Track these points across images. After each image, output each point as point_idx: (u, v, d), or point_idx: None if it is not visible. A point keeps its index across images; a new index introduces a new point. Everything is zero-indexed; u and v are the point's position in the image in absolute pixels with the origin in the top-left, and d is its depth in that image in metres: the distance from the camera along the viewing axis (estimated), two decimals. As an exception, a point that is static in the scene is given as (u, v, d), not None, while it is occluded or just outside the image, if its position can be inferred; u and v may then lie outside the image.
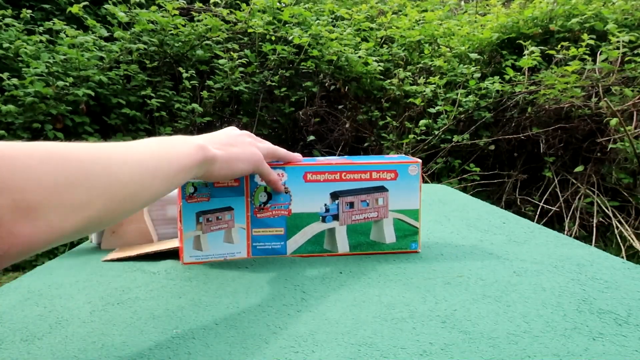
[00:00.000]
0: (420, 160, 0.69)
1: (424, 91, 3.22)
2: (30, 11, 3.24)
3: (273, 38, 3.39)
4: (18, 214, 0.32)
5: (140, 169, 0.43)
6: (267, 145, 0.64)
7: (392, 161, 0.69)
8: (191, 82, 3.20)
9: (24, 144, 0.34)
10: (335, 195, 0.68)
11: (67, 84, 2.80)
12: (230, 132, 0.61)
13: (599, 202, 2.98)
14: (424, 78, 3.34)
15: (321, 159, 0.72)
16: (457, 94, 3.21)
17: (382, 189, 0.68)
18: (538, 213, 3.05)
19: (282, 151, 0.66)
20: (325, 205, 0.68)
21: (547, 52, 3.20)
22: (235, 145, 0.59)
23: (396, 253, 0.69)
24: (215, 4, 3.54)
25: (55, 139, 2.78)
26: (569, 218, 3.01)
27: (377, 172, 0.68)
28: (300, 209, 0.67)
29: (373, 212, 0.69)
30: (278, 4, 3.47)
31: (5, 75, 2.73)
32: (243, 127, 3.57)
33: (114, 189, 0.39)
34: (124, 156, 0.42)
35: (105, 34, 3.21)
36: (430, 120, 3.24)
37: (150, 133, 3.26)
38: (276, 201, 0.67)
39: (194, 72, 3.24)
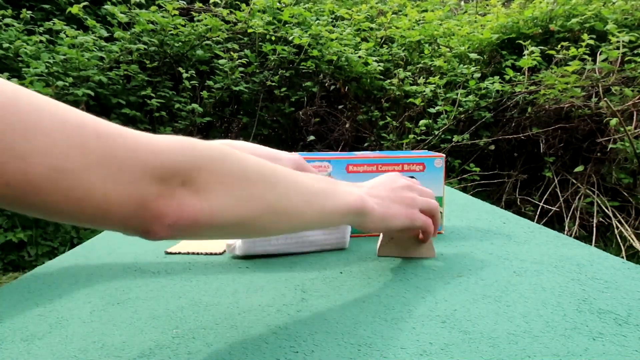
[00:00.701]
0: (444, 155, 0.78)
1: (424, 91, 3.22)
2: (30, 11, 3.24)
3: (273, 38, 3.39)
4: (187, 191, 0.37)
5: (297, 193, 0.46)
6: (427, 199, 0.62)
7: (420, 155, 0.79)
8: (191, 82, 3.20)
9: (198, 141, 0.39)
10: None
11: (67, 84, 2.80)
12: (394, 184, 0.60)
13: (599, 202, 2.98)
14: (424, 78, 3.34)
15: (360, 153, 0.80)
16: (457, 94, 3.21)
17: (411, 179, 0.75)
18: (538, 213, 3.05)
19: (436, 212, 0.63)
20: None
21: (547, 52, 3.20)
22: (395, 201, 0.58)
23: None
24: (215, 4, 3.54)
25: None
26: (569, 218, 3.01)
27: (408, 165, 0.78)
28: None
29: None
30: (278, 4, 3.47)
31: (5, 75, 2.73)
32: (243, 127, 3.57)
33: (270, 198, 0.43)
34: (284, 177, 0.45)
35: (105, 34, 3.21)
36: (430, 120, 3.24)
37: (150, 133, 3.26)
38: None
39: (194, 72, 3.24)
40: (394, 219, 0.58)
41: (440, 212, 0.79)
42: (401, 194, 0.59)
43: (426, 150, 0.91)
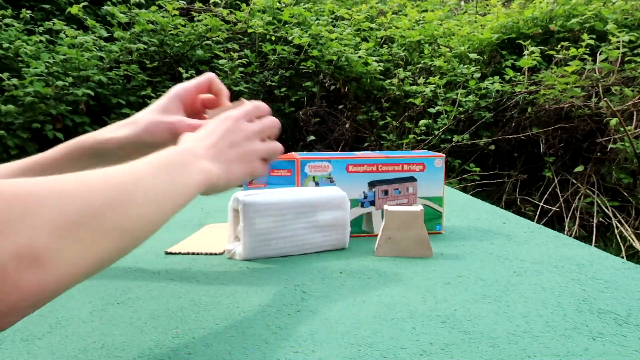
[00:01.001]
0: (444, 155, 0.80)
1: (424, 91, 3.22)
2: (30, 11, 3.24)
3: (273, 38, 3.39)
4: (23, 262, 0.28)
5: (149, 203, 0.40)
6: (269, 147, 0.59)
7: (420, 155, 0.80)
8: (191, 82, 3.20)
9: (21, 181, 0.32)
10: (372, 184, 0.78)
11: (67, 84, 2.80)
12: (235, 136, 0.55)
13: (599, 202, 2.98)
14: (424, 78, 3.34)
15: (360, 153, 0.81)
16: (457, 94, 3.21)
17: (412, 179, 0.80)
18: (538, 213, 3.05)
19: (276, 155, 0.61)
20: (364, 192, 0.78)
21: (547, 52, 3.20)
22: (237, 160, 0.55)
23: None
24: (215, 4, 3.54)
25: (55, 138, 2.78)
26: (569, 218, 3.01)
27: (408, 165, 0.79)
28: None
29: (404, 198, 0.80)
30: (278, 4, 3.47)
31: (5, 75, 2.73)
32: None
33: (123, 225, 0.37)
34: (133, 190, 0.39)
35: (105, 34, 3.21)
36: (430, 120, 3.24)
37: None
38: None
39: (194, 72, 3.24)
40: (236, 179, 0.55)
41: (440, 212, 0.82)
42: (243, 149, 0.55)
43: (426, 150, 0.93)
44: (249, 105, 0.59)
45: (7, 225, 0.28)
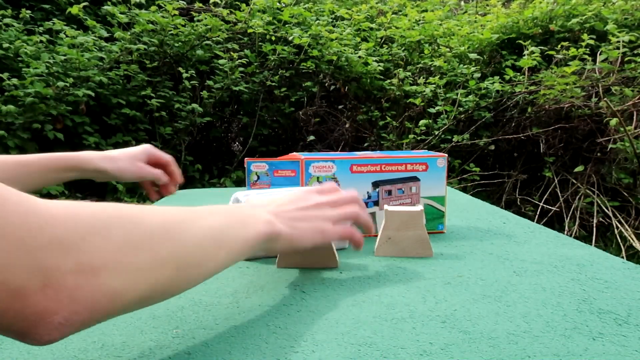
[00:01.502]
0: (446, 155, 0.80)
1: (424, 91, 3.22)
2: (30, 11, 3.24)
3: (273, 38, 3.39)
4: (81, 276, 0.30)
5: (207, 239, 0.42)
6: (341, 212, 0.58)
7: (423, 155, 0.79)
8: (191, 82, 3.20)
9: (88, 204, 0.33)
10: (376, 184, 0.78)
11: (67, 84, 2.80)
12: (304, 203, 0.56)
13: (599, 202, 2.98)
14: (423, 78, 3.34)
15: (363, 153, 0.81)
16: (457, 94, 3.21)
17: (415, 178, 0.80)
18: (538, 213, 3.05)
19: (358, 217, 0.60)
20: (368, 192, 0.78)
21: (547, 52, 3.20)
22: (303, 220, 0.55)
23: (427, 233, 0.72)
24: (215, 4, 3.54)
25: (55, 139, 2.78)
26: (569, 218, 3.01)
27: (411, 165, 0.79)
28: None
29: (407, 198, 0.79)
30: (278, 4, 3.47)
31: (5, 75, 2.72)
32: (243, 127, 3.57)
33: (180, 255, 0.38)
34: (191, 224, 0.40)
35: (105, 34, 3.21)
36: (430, 120, 3.24)
37: (150, 133, 3.26)
38: None
39: (194, 72, 3.24)
40: (302, 238, 0.54)
41: (442, 212, 0.82)
42: (311, 213, 0.56)
43: (427, 150, 0.92)
44: (326, 185, 0.61)
45: (72, 243, 0.30)
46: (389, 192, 0.79)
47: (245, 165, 0.75)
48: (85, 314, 0.31)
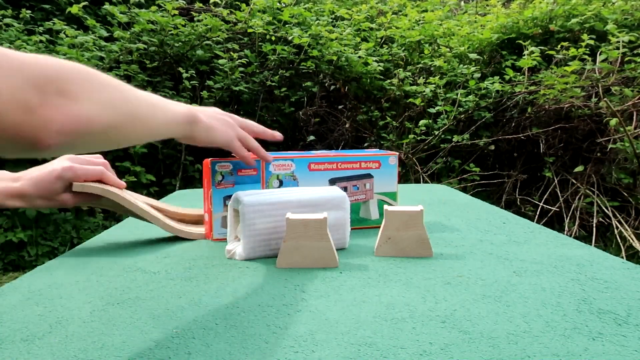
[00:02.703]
0: (397, 153, 0.85)
1: (424, 91, 3.22)
2: (30, 11, 3.24)
3: (273, 38, 3.39)
4: (67, 100, 0.41)
5: (146, 101, 0.54)
6: (246, 127, 0.75)
7: (376, 154, 0.85)
8: (191, 82, 3.20)
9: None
10: (332, 181, 0.82)
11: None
12: (216, 110, 0.72)
13: (599, 202, 2.98)
14: (423, 78, 3.34)
15: (320, 152, 0.86)
16: (457, 94, 3.21)
17: (368, 176, 0.85)
18: (538, 213, 3.05)
19: (255, 127, 0.77)
20: None
21: (547, 52, 3.20)
22: (219, 121, 0.70)
23: (379, 227, 0.74)
24: (215, 4, 3.54)
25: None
26: (569, 218, 3.01)
27: (365, 162, 0.84)
28: None
29: (362, 194, 0.84)
30: (278, 4, 3.47)
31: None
32: (243, 127, 3.57)
33: (130, 104, 0.50)
34: (131, 89, 0.52)
35: (105, 34, 3.21)
36: (430, 120, 3.24)
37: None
38: (286, 186, 0.80)
39: (194, 72, 3.24)
40: (216, 131, 0.69)
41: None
42: (223, 118, 0.72)
43: (379, 150, 0.99)
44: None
45: (55, 74, 0.41)
46: (345, 189, 0.83)
47: (210, 166, 0.76)
48: (72, 126, 0.41)
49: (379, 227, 0.73)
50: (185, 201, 1.15)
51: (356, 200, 0.85)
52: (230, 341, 0.44)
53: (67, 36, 3.01)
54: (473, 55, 3.39)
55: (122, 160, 3.06)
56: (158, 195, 3.11)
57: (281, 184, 0.80)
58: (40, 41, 3.02)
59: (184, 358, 0.41)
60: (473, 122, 3.26)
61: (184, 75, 3.14)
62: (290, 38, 3.29)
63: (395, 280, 0.60)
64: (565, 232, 2.92)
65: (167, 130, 0.60)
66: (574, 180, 3.14)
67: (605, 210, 2.95)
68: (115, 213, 2.96)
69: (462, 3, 4.61)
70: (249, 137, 0.74)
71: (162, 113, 0.58)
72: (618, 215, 2.93)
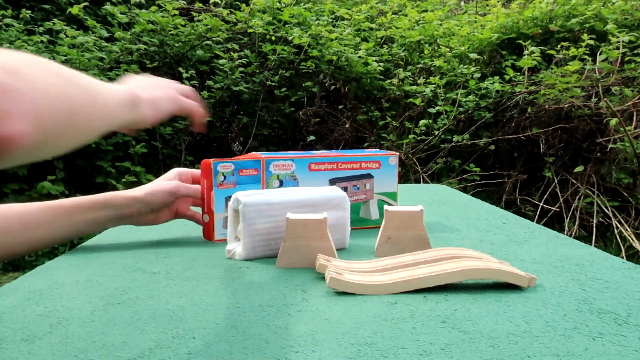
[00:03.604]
0: (397, 153, 0.85)
1: (424, 91, 3.22)
2: (30, 11, 3.24)
3: (273, 38, 3.39)
4: (19, 91, 0.34)
5: (91, 89, 0.46)
6: (182, 86, 0.71)
7: (376, 154, 0.85)
8: (191, 82, 3.20)
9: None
10: (333, 181, 0.82)
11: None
12: (151, 81, 0.67)
13: (599, 202, 2.98)
14: (424, 78, 3.34)
15: (321, 152, 0.86)
16: (457, 94, 3.21)
17: (369, 176, 0.85)
18: (538, 213, 3.05)
19: (186, 100, 0.70)
20: None
21: (547, 52, 3.20)
22: (158, 90, 0.65)
23: (379, 228, 0.73)
24: (215, 4, 3.54)
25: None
26: (569, 218, 3.01)
27: (365, 163, 0.84)
28: None
29: (362, 194, 0.85)
30: (278, 4, 3.47)
31: (5, 75, 2.72)
32: (243, 127, 3.57)
33: (80, 93, 0.43)
34: (80, 75, 0.45)
35: (106, 34, 3.21)
36: (430, 120, 3.24)
37: (150, 133, 3.26)
38: (286, 186, 0.80)
39: (194, 72, 3.24)
40: (161, 102, 0.63)
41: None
42: (161, 84, 0.66)
43: (380, 150, 0.99)
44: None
45: (15, 68, 0.35)
46: (345, 189, 0.83)
47: (212, 166, 0.76)
48: (29, 114, 0.35)
49: (379, 227, 0.73)
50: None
51: (356, 200, 0.85)
52: (231, 341, 0.44)
53: (67, 36, 3.01)
54: (473, 55, 3.39)
55: (122, 160, 3.06)
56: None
57: (281, 184, 0.80)
58: (41, 41, 3.02)
59: (184, 358, 0.41)
60: (473, 122, 3.26)
61: (184, 75, 3.15)
62: (290, 38, 3.29)
63: (396, 280, 0.60)
64: (565, 232, 2.92)
65: (112, 119, 0.51)
66: (574, 180, 3.14)
67: (605, 210, 2.95)
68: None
69: (462, 3, 4.61)
70: (186, 91, 0.70)
71: (103, 101, 0.49)
72: (618, 215, 2.93)
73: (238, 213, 0.68)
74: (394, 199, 0.87)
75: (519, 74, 3.23)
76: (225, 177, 0.77)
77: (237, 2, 3.70)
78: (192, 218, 0.83)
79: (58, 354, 0.42)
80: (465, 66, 3.32)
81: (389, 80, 3.38)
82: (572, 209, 3.03)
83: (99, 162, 2.98)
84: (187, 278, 0.62)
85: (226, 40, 3.40)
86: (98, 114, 0.47)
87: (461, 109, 3.22)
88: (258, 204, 0.67)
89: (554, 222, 3.07)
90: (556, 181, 3.14)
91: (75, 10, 3.13)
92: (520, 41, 3.32)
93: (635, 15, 3.32)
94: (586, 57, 3.01)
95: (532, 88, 3.14)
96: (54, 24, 3.09)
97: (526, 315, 0.49)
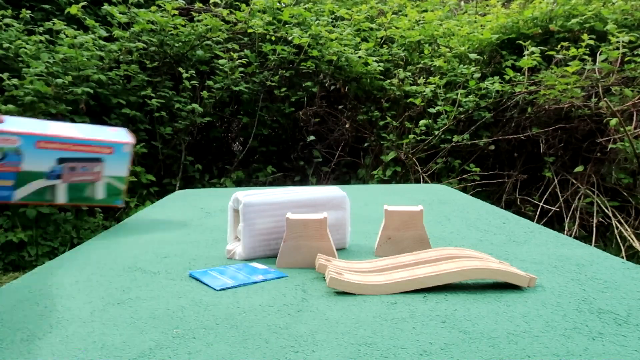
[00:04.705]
0: (131, 142, 0.93)
1: (424, 91, 3.22)
2: (30, 11, 3.24)
3: (273, 38, 3.39)
4: None
5: None
6: None
7: (111, 140, 0.90)
8: (191, 82, 3.20)
9: None
10: (61, 161, 0.87)
11: (66, 82, 2.80)
12: None
13: (599, 202, 2.98)
14: (424, 78, 3.34)
15: (54, 132, 0.89)
16: (457, 94, 3.21)
17: (99, 160, 0.92)
18: (538, 213, 3.04)
19: None
20: (52, 167, 0.88)
21: (547, 52, 3.20)
22: None
23: (104, 206, 0.80)
24: (215, 4, 3.54)
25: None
26: (568, 218, 3.01)
27: (98, 147, 0.90)
28: (30, 167, 0.86)
29: (90, 175, 0.91)
30: (278, 4, 3.47)
31: (5, 75, 2.72)
32: (243, 127, 3.57)
33: None
34: None
35: (105, 34, 3.20)
36: (430, 120, 3.24)
37: (151, 133, 3.26)
38: (9, 160, 0.84)
39: (194, 72, 3.24)
40: None
41: (120, 189, 0.95)
42: None
43: (124, 129, 1.05)
44: None
45: None
46: (73, 169, 0.88)
47: None
48: None
49: (103, 206, 0.79)
50: (186, 201, 1.15)
51: (83, 180, 0.90)
52: (231, 341, 0.44)
53: (67, 36, 3.01)
54: (473, 55, 3.39)
55: (122, 160, 3.05)
56: (158, 195, 3.11)
57: (4, 157, 0.84)
58: (40, 41, 3.02)
59: (184, 358, 0.41)
60: (473, 122, 3.26)
61: (184, 75, 3.14)
62: (290, 38, 3.28)
63: (395, 280, 0.60)
64: (565, 232, 2.92)
65: None
66: (574, 180, 3.14)
67: (605, 210, 2.95)
68: (115, 213, 2.96)
69: (462, 3, 4.61)
70: None
71: None
72: (618, 215, 2.93)
73: (238, 213, 0.68)
74: (122, 182, 0.94)
75: (519, 74, 3.22)
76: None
77: (237, 2, 3.70)
78: None
79: (58, 353, 0.42)
80: (465, 66, 3.32)
81: (389, 80, 3.38)
82: (572, 209, 3.03)
83: (99, 162, 2.96)
84: (187, 278, 0.62)
85: (226, 40, 3.40)
86: None
87: (461, 109, 3.22)
88: (258, 204, 0.67)
89: (554, 222, 3.07)
90: (556, 181, 3.14)
91: (74, 10, 3.13)
92: (520, 41, 3.32)
93: (635, 15, 3.31)
94: (586, 57, 3.01)
95: (532, 88, 3.14)
96: (53, 23, 3.09)
97: (526, 315, 0.49)
